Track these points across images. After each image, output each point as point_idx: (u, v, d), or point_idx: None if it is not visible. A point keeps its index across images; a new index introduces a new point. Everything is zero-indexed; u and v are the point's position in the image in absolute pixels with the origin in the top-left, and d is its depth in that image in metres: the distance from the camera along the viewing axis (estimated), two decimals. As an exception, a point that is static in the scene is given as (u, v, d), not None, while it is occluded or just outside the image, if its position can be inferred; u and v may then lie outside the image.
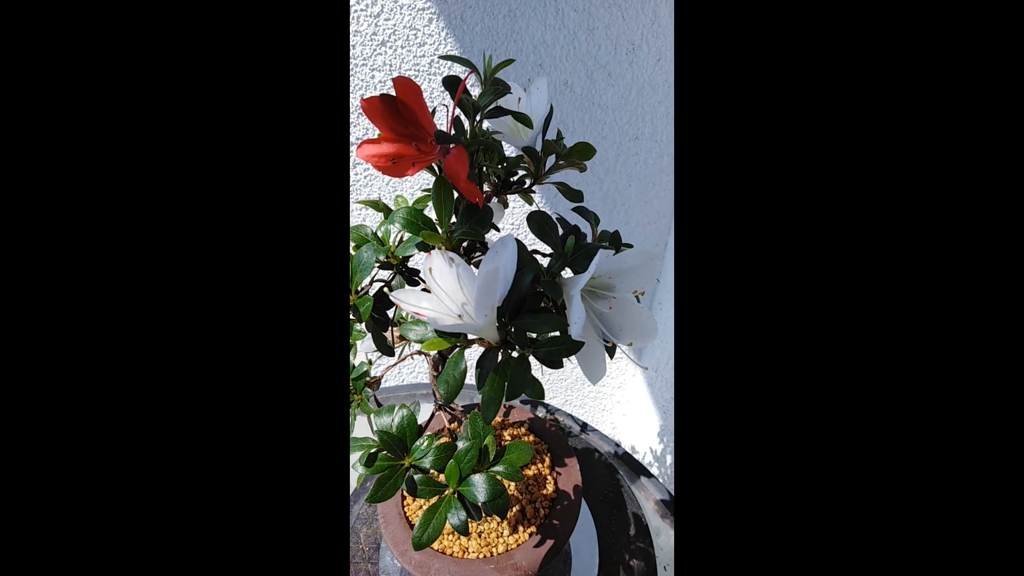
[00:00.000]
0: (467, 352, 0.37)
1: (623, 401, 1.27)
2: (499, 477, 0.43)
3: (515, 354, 0.33)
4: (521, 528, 0.63)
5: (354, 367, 0.53)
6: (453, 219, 0.40)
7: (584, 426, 1.00)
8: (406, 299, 0.32)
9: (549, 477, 0.68)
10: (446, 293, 0.32)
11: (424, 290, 0.43)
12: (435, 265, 0.32)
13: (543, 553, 0.59)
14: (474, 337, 0.35)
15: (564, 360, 0.34)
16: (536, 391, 0.32)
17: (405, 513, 0.62)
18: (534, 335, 0.33)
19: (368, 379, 0.54)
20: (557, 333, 0.32)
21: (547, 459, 0.71)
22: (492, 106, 0.39)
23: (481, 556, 0.60)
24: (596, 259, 0.31)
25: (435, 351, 0.33)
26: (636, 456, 1.05)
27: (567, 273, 0.38)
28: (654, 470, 1.07)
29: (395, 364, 0.49)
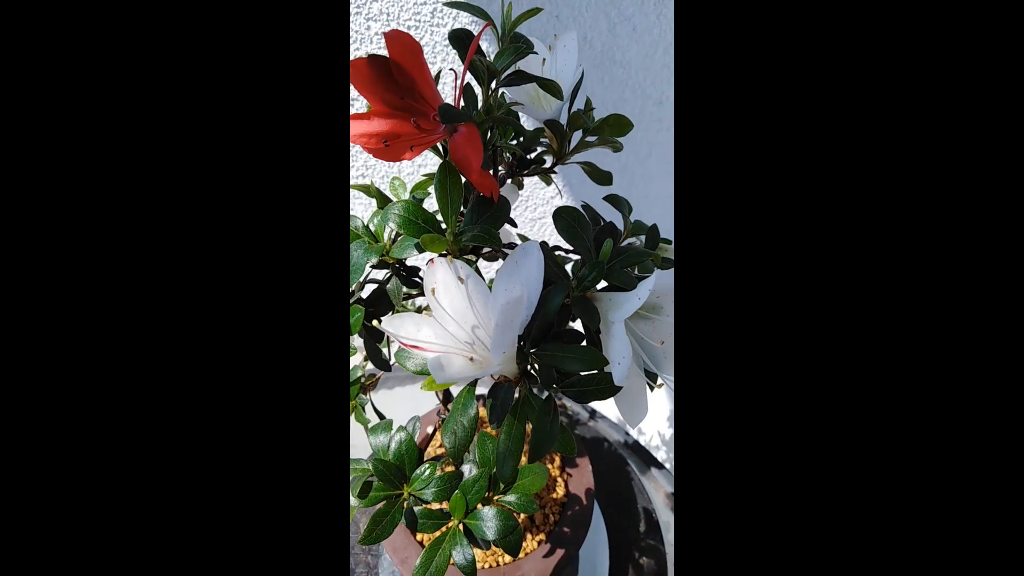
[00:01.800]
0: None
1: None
2: (510, 509, 0.37)
3: (537, 392, 0.26)
4: (530, 536, 0.58)
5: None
6: (462, 209, 0.33)
7: (592, 413, 0.96)
8: (402, 330, 0.25)
9: (559, 479, 0.63)
10: (452, 317, 0.25)
11: (420, 307, 0.36)
12: (439, 281, 0.25)
13: (553, 564, 0.55)
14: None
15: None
16: (567, 445, 0.25)
17: (404, 517, 0.58)
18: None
19: (364, 382, 0.48)
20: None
21: (556, 459, 0.66)
22: (512, 70, 0.30)
23: (487, 566, 0.56)
24: (649, 282, 0.24)
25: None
26: (643, 439, 1.01)
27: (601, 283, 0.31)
28: (661, 455, 1.03)
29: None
